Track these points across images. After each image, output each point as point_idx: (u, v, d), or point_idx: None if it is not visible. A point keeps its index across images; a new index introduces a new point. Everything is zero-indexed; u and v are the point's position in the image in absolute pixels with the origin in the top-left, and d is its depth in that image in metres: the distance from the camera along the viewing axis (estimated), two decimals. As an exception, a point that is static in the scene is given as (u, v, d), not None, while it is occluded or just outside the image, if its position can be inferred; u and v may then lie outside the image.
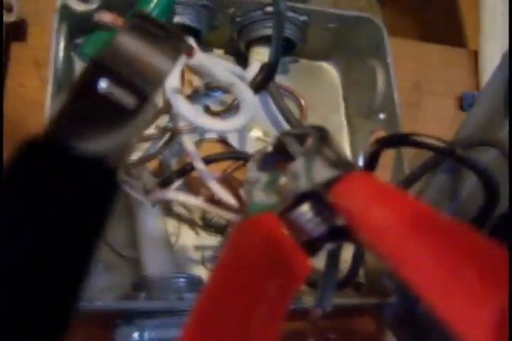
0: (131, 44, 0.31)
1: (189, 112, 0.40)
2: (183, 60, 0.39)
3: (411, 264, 0.24)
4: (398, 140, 0.42)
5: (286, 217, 0.29)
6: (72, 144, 0.25)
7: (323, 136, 0.33)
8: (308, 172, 0.31)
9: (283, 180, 0.31)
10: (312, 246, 0.30)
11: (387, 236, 0.25)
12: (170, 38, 0.33)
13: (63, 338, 0.22)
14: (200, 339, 0.28)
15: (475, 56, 0.71)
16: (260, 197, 0.34)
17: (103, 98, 0.28)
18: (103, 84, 0.28)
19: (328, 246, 0.31)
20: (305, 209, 0.29)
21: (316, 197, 0.29)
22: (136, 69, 0.30)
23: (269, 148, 0.37)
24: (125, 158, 0.27)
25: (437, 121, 0.65)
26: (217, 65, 0.40)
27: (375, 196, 0.27)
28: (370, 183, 0.28)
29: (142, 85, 0.29)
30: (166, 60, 0.31)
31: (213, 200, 0.50)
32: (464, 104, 0.67)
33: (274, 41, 0.47)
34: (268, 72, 0.48)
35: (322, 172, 0.30)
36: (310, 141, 0.33)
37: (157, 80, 0.31)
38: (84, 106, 0.27)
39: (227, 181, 0.54)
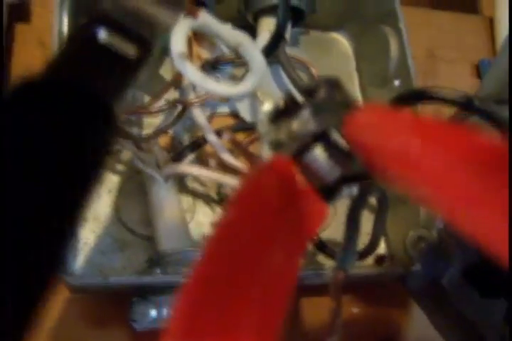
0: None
1: (197, 77, 0.39)
2: (187, 24, 0.38)
3: (451, 195, 0.22)
4: (416, 95, 0.41)
5: (299, 160, 0.28)
6: (70, 85, 0.24)
7: (334, 84, 0.32)
8: (320, 116, 0.29)
9: (293, 125, 0.30)
10: (328, 191, 0.28)
11: (419, 165, 0.23)
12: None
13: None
14: (207, 282, 0.26)
15: (490, 23, 0.69)
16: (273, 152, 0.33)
17: (102, 47, 0.27)
18: (102, 33, 0.27)
19: (345, 191, 0.29)
20: (317, 151, 0.28)
21: (328, 138, 0.28)
22: (136, 19, 0.29)
23: (280, 104, 0.35)
24: (121, 108, 0.26)
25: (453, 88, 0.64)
26: (225, 27, 0.39)
27: (400, 126, 0.25)
28: (382, 114, 0.27)
29: (142, 35, 0.28)
30: (167, 11, 0.30)
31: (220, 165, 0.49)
32: (480, 71, 0.66)
33: (280, 5, 0.46)
34: (275, 38, 0.47)
35: (334, 115, 0.29)
36: (321, 91, 0.32)
37: (157, 30, 0.30)
38: (83, 54, 0.26)
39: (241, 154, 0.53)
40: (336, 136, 0.28)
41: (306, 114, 0.30)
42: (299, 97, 0.55)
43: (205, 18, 0.37)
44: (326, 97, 0.31)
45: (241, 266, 0.26)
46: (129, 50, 0.28)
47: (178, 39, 0.39)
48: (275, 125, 0.35)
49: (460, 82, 0.65)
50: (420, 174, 0.23)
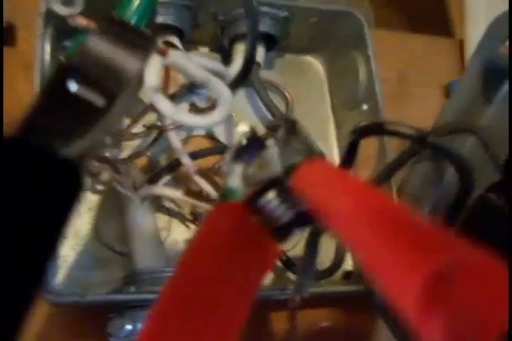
0: (99, 46, 0.32)
1: (168, 109, 0.41)
2: (159, 60, 0.40)
3: (361, 246, 0.25)
4: (373, 129, 0.43)
5: (254, 204, 0.31)
6: (41, 143, 0.26)
7: (292, 127, 0.35)
8: (277, 161, 0.32)
9: (250, 169, 0.33)
10: (281, 232, 0.31)
11: (341, 220, 0.26)
12: (138, 39, 0.34)
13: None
14: (164, 328, 0.29)
15: (461, 45, 0.72)
16: (235, 187, 0.36)
17: (72, 98, 0.29)
18: (72, 84, 0.30)
19: (297, 232, 0.32)
20: (271, 196, 0.31)
21: (281, 184, 0.31)
22: (104, 69, 0.31)
23: (243, 141, 0.38)
24: (93, 155, 0.28)
25: (424, 110, 0.66)
26: (194, 62, 0.41)
27: (329, 183, 0.28)
28: (325, 170, 0.30)
29: (110, 85, 0.31)
30: (134, 59, 0.33)
31: (202, 195, 0.51)
32: (450, 92, 0.68)
33: (249, 34, 0.48)
34: (245, 66, 0.50)
35: (289, 161, 0.31)
36: (280, 132, 0.34)
37: (124, 79, 0.32)
38: (54, 107, 0.29)
39: (215, 175, 0.55)
40: (287, 182, 0.31)
41: (265, 157, 0.33)
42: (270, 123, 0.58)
43: (175, 57, 0.39)
44: (283, 140, 0.34)
45: (201, 301, 0.29)
46: (97, 99, 0.30)
47: (150, 73, 0.42)
48: (237, 162, 0.37)
49: (430, 103, 0.68)
50: (349, 234, 0.26)
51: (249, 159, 0.37)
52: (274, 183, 0.31)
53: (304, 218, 0.32)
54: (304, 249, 0.40)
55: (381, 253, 0.24)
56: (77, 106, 0.29)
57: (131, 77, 0.33)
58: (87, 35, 0.32)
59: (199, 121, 0.43)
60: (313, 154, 0.32)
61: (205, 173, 0.53)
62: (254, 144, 0.38)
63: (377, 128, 0.43)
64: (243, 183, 0.34)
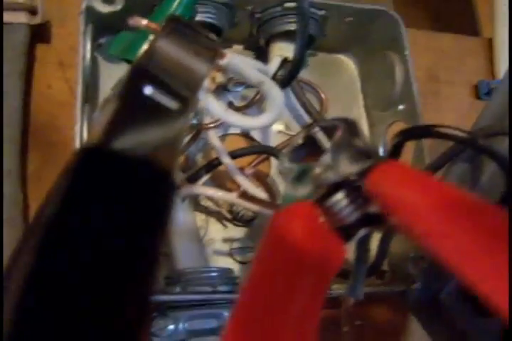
0: (169, 49, 0.32)
1: (220, 110, 0.41)
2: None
3: (446, 243, 0.25)
4: (421, 131, 0.43)
5: (321, 205, 0.31)
6: (126, 149, 0.26)
7: (352, 127, 0.35)
8: (340, 162, 0.32)
9: (316, 170, 0.33)
10: (346, 233, 0.31)
11: (423, 218, 0.27)
12: (205, 41, 0.34)
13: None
14: (243, 332, 0.29)
15: (489, 44, 0.72)
16: (292, 188, 0.36)
17: (149, 103, 0.29)
18: (147, 90, 0.30)
19: (362, 233, 0.32)
20: (339, 197, 0.31)
21: (350, 185, 0.31)
22: (177, 73, 0.31)
23: (299, 141, 0.38)
24: (176, 158, 0.28)
25: (454, 110, 0.67)
26: (245, 63, 0.41)
27: (410, 182, 0.28)
28: (404, 170, 0.30)
29: (184, 89, 0.31)
30: (204, 63, 0.33)
31: (240, 193, 0.51)
32: (480, 92, 0.68)
33: (299, 39, 0.48)
34: (293, 70, 0.50)
35: (353, 162, 0.32)
36: (339, 133, 0.34)
37: (197, 83, 0.32)
38: (132, 113, 0.28)
39: (252, 174, 0.55)
40: (358, 183, 0.31)
41: (327, 159, 0.33)
42: (307, 120, 0.58)
43: (231, 59, 0.39)
44: (344, 141, 0.34)
45: (272, 306, 0.29)
46: (171, 104, 0.30)
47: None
48: (294, 163, 0.37)
49: (460, 102, 0.68)
50: (431, 230, 0.26)
51: (305, 160, 0.37)
52: (343, 184, 0.31)
53: (370, 219, 0.32)
54: (355, 249, 0.40)
55: (472, 253, 0.24)
56: (154, 110, 0.29)
57: (202, 80, 0.33)
58: (155, 38, 0.32)
59: (251, 123, 0.43)
60: (378, 156, 0.32)
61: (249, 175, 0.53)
62: (310, 145, 0.38)
63: (425, 131, 0.43)
64: (306, 185, 0.34)
